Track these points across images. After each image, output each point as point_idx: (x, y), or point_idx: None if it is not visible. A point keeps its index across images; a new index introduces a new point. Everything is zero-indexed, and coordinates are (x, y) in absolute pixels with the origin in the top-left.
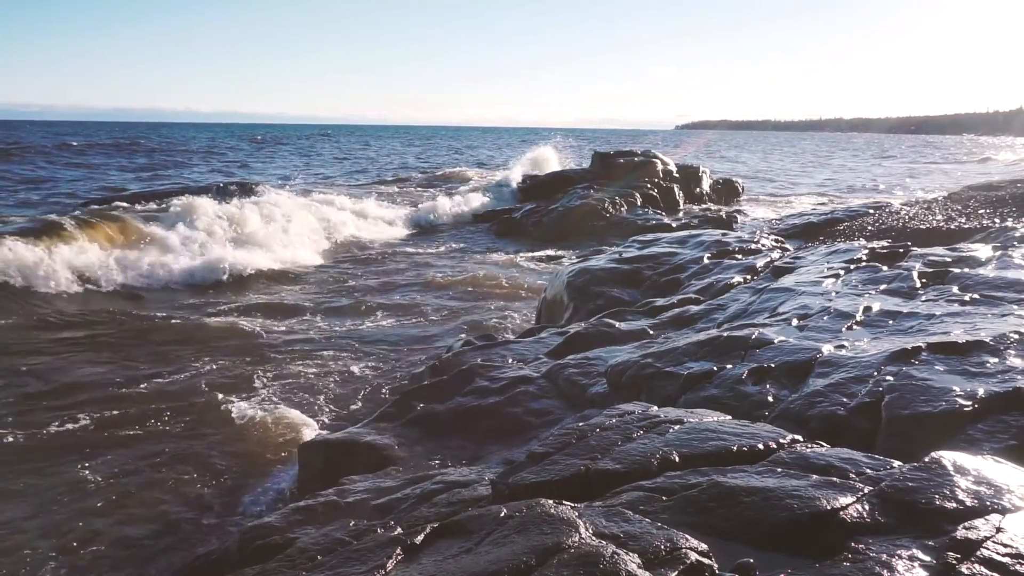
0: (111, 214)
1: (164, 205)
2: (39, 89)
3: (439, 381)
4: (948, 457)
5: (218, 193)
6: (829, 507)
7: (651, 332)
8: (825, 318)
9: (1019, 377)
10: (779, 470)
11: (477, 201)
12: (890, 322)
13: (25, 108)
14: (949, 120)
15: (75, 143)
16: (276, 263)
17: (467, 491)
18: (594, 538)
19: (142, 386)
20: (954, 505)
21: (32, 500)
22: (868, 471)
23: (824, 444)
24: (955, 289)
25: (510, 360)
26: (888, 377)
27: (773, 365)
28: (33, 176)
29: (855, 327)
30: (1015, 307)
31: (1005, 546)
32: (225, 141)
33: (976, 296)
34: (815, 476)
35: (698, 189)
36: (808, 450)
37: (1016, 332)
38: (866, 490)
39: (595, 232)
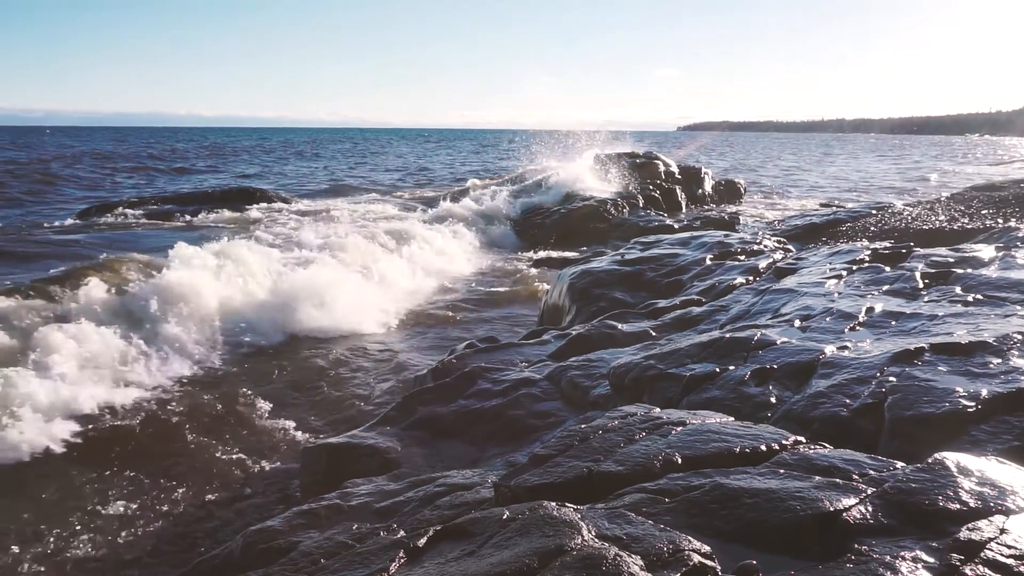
0: None
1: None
2: (42, 94)
3: (441, 384)
4: (951, 458)
5: (225, 198)
6: (832, 508)
7: (653, 334)
8: (828, 319)
9: (1023, 378)
10: (782, 472)
11: None
12: (893, 323)
13: (29, 113)
14: (952, 120)
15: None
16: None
17: (470, 494)
18: (597, 540)
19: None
20: (957, 506)
21: (35, 502)
22: (871, 472)
23: (827, 445)
24: (958, 290)
25: (512, 362)
26: (891, 378)
27: (776, 366)
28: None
29: (858, 328)
30: (1018, 307)
31: (1009, 547)
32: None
33: (979, 297)
34: (818, 477)
35: (700, 190)
36: (811, 451)
37: (1019, 332)
38: (869, 491)
39: (597, 234)
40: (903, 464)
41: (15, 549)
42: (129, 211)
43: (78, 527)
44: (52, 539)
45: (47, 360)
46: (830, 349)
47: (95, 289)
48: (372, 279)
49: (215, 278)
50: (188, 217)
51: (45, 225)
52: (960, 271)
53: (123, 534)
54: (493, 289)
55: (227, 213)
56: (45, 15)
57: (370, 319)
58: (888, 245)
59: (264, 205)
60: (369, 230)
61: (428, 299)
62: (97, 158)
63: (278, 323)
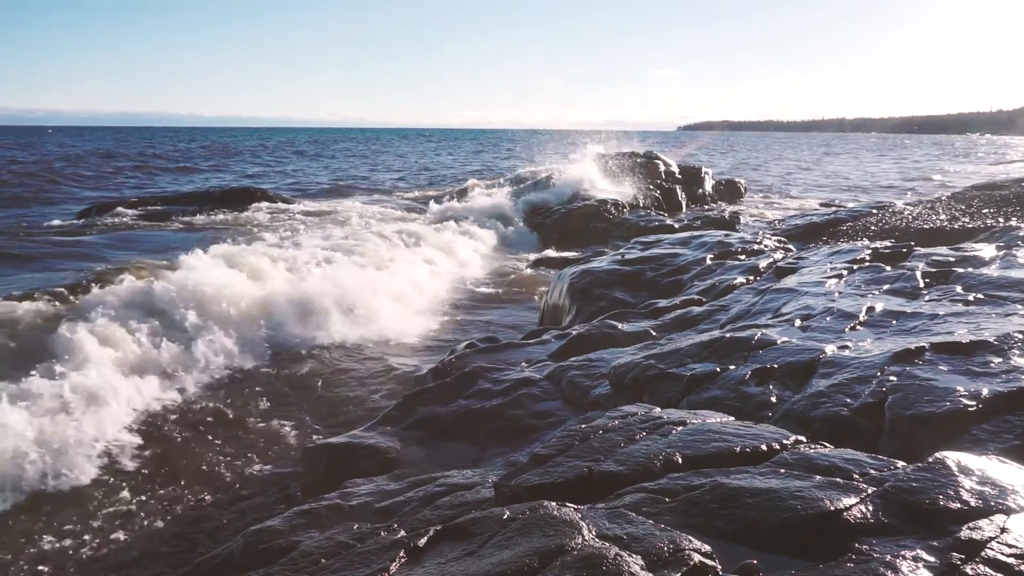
0: None
1: None
2: (43, 94)
3: (442, 384)
4: (952, 457)
5: (227, 198)
6: (833, 508)
7: (654, 333)
8: (828, 319)
9: (1023, 377)
10: (782, 471)
11: None
12: (893, 322)
13: (31, 113)
14: (952, 119)
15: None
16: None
17: (470, 494)
18: (597, 540)
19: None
20: (958, 505)
21: (35, 502)
22: (872, 472)
23: (827, 445)
24: (959, 289)
25: (513, 362)
26: (892, 377)
27: (776, 366)
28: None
29: (858, 327)
30: (1019, 307)
31: (1010, 546)
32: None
33: (980, 296)
34: (818, 477)
35: (700, 190)
36: (811, 451)
37: (1020, 332)
38: (870, 491)
39: (597, 233)
40: (904, 463)
41: (16, 549)
42: (130, 211)
43: (79, 527)
44: (52, 538)
45: (67, 363)
46: (831, 349)
47: (110, 294)
48: (400, 282)
49: (233, 282)
50: (188, 218)
51: (45, 224)
52: (961, 270)
53: (123, 534)
54: (494, 289)
55: (230, 213)
56: (45, 16)
57: (411, 324)
58: (889, 244)
59: (267, 205)
60: (382, 232)
61: (444, 300)
62: (101, 157)
63: (291, 328)
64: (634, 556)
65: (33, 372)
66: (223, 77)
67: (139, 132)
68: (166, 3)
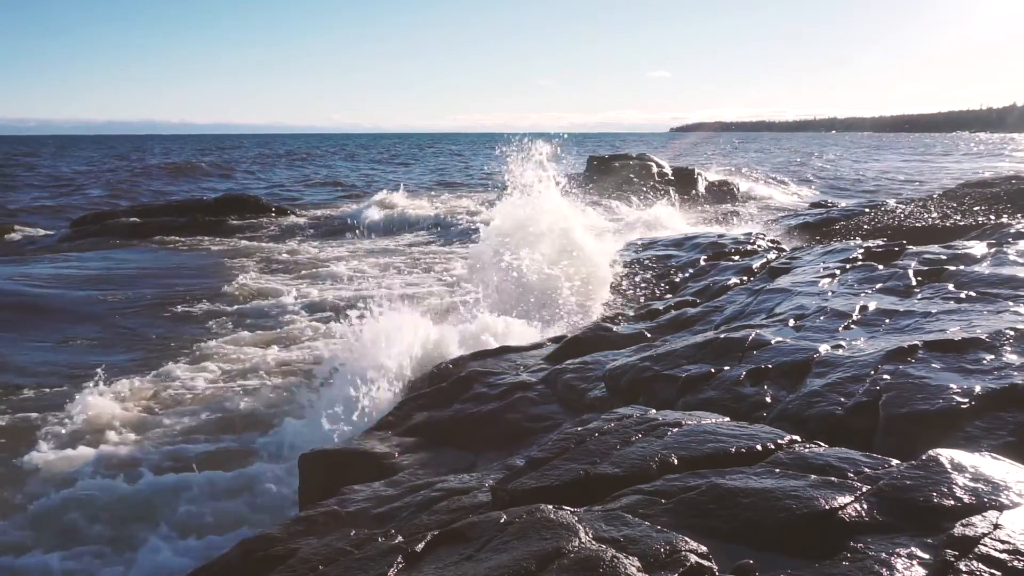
0: None
1: None
2: (34, 104)
3: (438, 388)
4: (945, 455)
5: (228, 207)
6: (828, 507)
7: (649, 335)
8: (822, 318)
9: (1015, 373)
10: (778, 471)
11: None
12: (886, 321)
13: (21, 123)
14: (943, 117)
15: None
16: None
17: (467, 498)
18: (594, 542)
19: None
20: (952, 502)
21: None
22: (866, 470)
23: (822, 444)
24: (951, 287)
25: (508, 366)
26: (885, 376)
27: (771, 366)
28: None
29: (852, 326)
30: (1011, 303)
31: (1003, 542)
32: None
33: (972, 293)
34: (813, 476)
35: (693, 191)
36: (806, 450)
37: (1012, 328)
38: (864, 489)
39: None
40: (898, 461)
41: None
42: (127, 220)
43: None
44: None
45: None
46: (824, 348)
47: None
48: None
49: None
50: (197, 233)
51: (30, 248)
52: (953, 268)
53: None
54: None
55: (231, 224)
56: (36, 25)
57: None
58: (881, 243)
59: (277, 217)
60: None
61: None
62: (97, 163)
63: None
64: (631, 558)
65: None
66: (212, 84)
67: (134, 140)
68: (155, 12)
